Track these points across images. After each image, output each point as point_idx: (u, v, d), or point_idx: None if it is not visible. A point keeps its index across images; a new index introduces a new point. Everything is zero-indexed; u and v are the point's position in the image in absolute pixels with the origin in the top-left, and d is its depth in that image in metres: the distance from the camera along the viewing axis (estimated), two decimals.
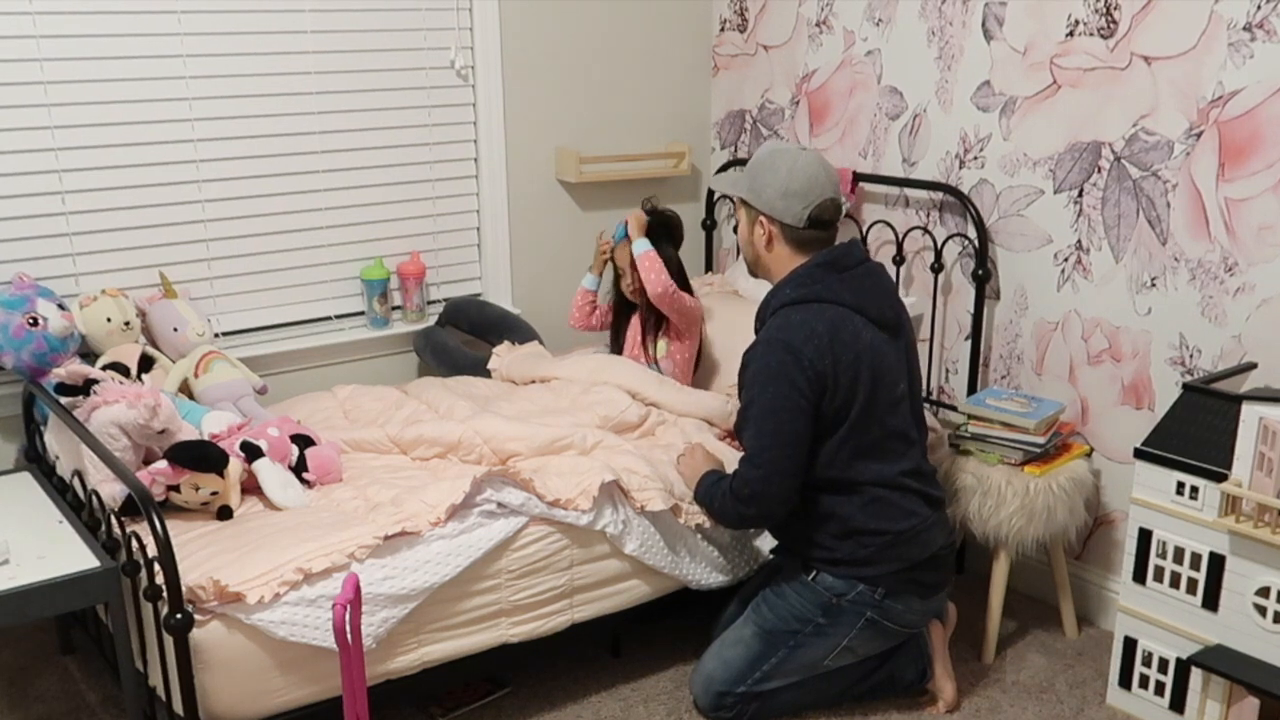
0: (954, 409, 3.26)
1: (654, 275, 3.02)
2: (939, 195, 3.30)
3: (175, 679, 2.12)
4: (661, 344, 3.17)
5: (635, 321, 3.24)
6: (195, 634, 2.11)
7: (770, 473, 2.43)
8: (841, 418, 2.45)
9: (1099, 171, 2.91)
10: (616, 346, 3.31)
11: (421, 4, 3.34)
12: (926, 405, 3.29)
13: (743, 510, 2.49)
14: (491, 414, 2.84)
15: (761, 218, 2.54)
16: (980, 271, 3.14)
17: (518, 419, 2.81)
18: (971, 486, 2.82)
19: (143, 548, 2.15)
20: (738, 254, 3.90)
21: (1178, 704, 2.55)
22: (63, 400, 2.52)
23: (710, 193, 3.94)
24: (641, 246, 3.06)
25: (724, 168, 3.91)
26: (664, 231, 3.15)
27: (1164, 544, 2.51)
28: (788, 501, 2.48)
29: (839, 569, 2.53)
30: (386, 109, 3.35)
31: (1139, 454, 2.53)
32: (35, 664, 2.82)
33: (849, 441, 2.47)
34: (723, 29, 3.92)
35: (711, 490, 2.56)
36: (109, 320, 2.83)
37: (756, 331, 2.57)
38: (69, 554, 2.22)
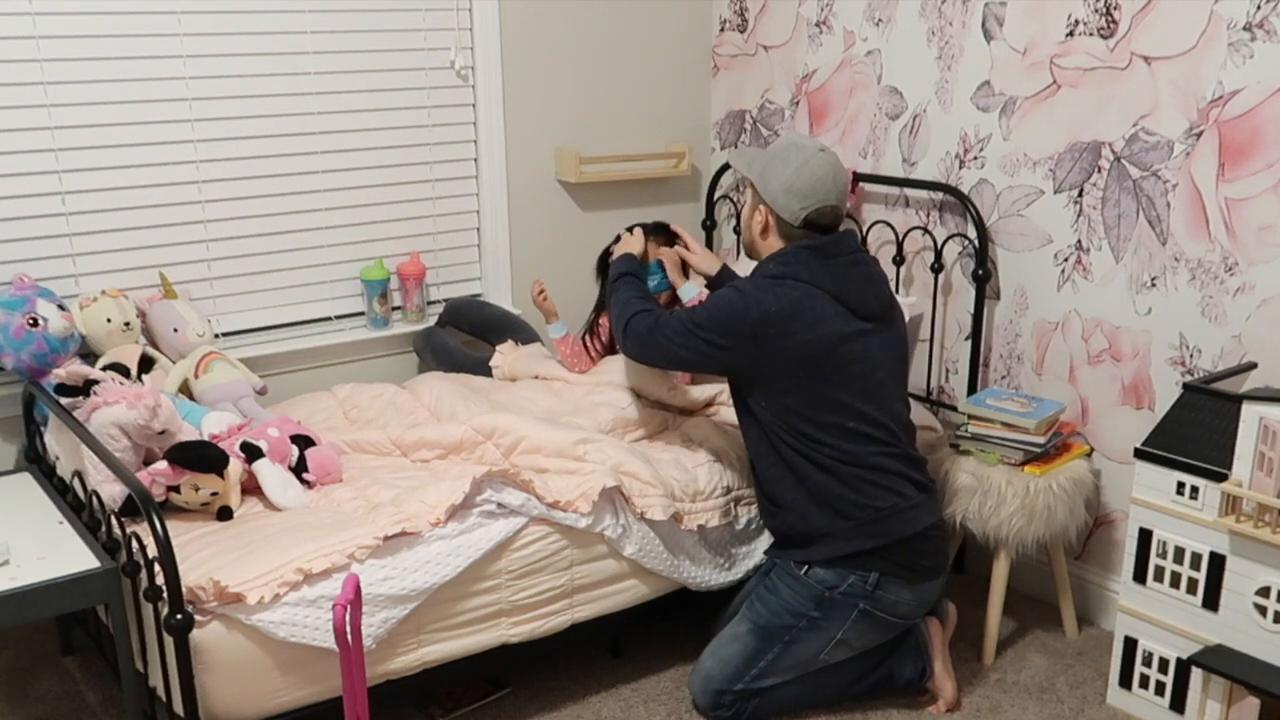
0: (954, 409, 3.25)
1: None
2: (939, 195, 3.30)
3: (175, 680, 2.12)
4: None
5: None
6: (195, 634, 2.11)
7: (655, 348, 2.63)
8: (782, 388, 2.50)
9: (1099, 171, 2.91)
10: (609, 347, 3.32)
11: (421, 4, 3.34)
12: (927, 405, 3.31)
13: (627, 332, 2.68)
14: (514, 413, 2.82)
15: (762, 205, 2.59)
16: (980, 271, 3.13)
17: (546, 422, 2.79)
18: (971, 486, 2.82)
19: (143, 548, 2.15)
20: (738, 252, 3.91)
21: (1178, 704, 2.55)
22: (63, 401, 2.52)
23: (711, 192, 3.94)
24: (690, 293, 2.90)
25: (725, 168, 3.91)
26: (667, 239, 3.15)
27: (1164, 544, 2.51)
28: (641, 358, 2.72)
29: (824, 548, 2.53)
30: (386, 109, 3.35)
31: (1139, 454, 2.53)
32: (35, 664, 2.82)
33: (801, 414, 2.50)
34: (723, 29, 3.91)
35: (632, 295, 2.74)
36: (109, 321, 2.83)
37: None
38: (69, 554, 2.22)
